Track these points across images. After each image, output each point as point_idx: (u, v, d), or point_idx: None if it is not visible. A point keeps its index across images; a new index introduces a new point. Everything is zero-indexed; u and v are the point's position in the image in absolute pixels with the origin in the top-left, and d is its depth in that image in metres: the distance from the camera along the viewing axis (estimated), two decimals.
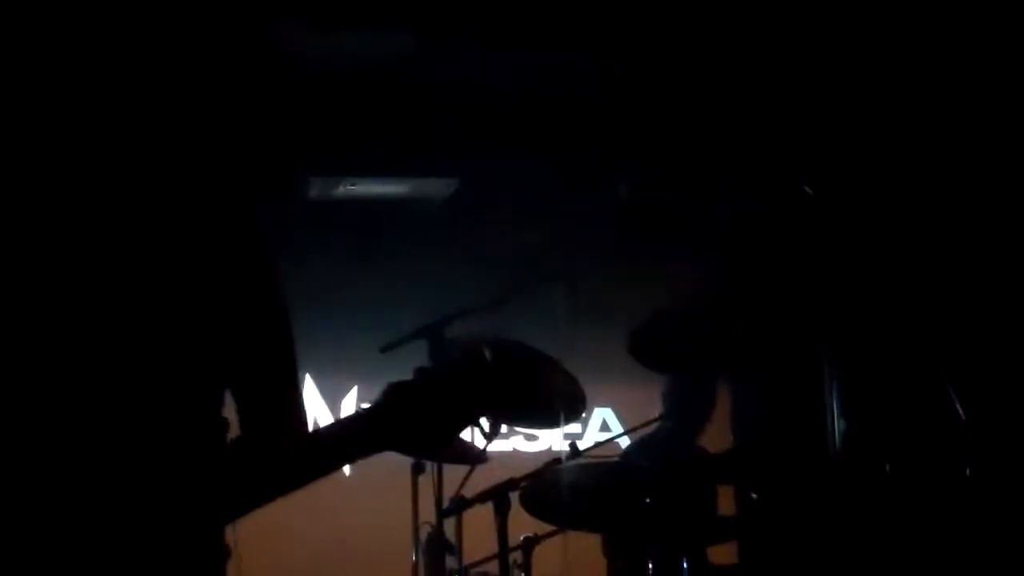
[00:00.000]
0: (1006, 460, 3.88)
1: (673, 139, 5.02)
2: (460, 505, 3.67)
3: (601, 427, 6.04)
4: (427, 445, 1.62)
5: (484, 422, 1.68)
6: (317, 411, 5.80)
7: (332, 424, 1.68)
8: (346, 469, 6.49)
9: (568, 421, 3.86)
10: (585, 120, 4.88)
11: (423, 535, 3.84)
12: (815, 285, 3.84)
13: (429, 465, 3.80)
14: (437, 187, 5.51)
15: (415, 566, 3.86)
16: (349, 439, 1.61)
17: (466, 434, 5.83)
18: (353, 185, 5.38)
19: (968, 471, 3.53)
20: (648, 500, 3.51)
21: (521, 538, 3.60)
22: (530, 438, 5.78)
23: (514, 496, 3.61)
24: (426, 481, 3.80)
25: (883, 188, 4.90)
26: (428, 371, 1.60)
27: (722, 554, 4.34)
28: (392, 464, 4.15)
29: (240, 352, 1.59)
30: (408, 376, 1.61)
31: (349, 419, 1.69)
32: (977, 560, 4.05)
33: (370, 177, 5.36)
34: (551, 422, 3.91)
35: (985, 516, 3.84)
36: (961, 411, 3.52)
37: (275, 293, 1.63)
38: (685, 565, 3.54)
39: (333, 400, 5.84)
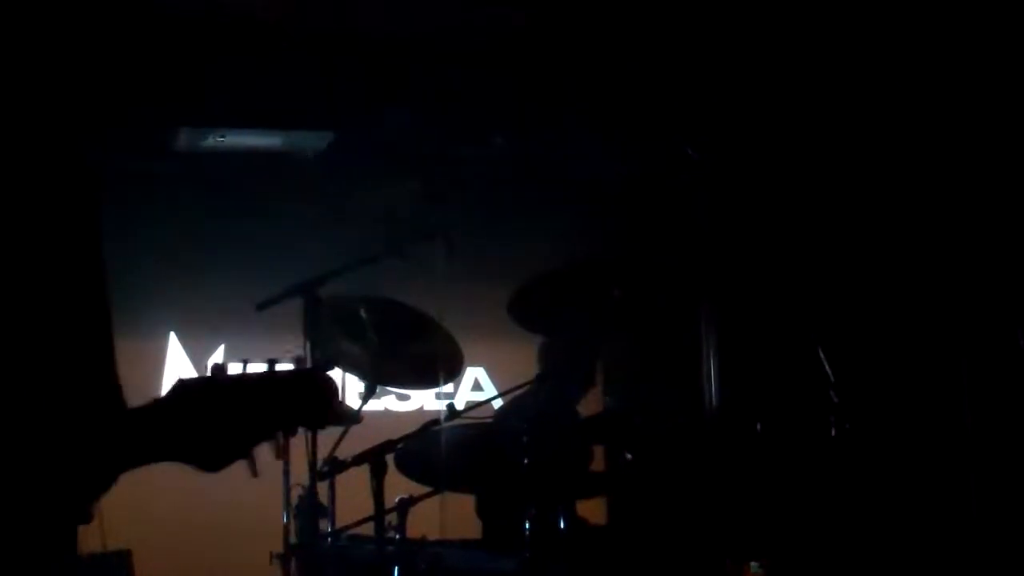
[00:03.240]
0: (872, 419, 3.98)
1: (556, 96, 4.97)
2: (334, 467, 3.59)
3: (473, 386, 6.01)
4: (207, 457, 1.41)
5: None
6: (182, 370, 5.62)
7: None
8: None
9: (446, 381, 3.82)
10: (463, 71, 4.80)
11: (295, 498, 3.76)
12: (695, 248, 3.87)
13: None
14: (310, 139, 5.36)
15: (286, 529, 3.78)
16: (122, 446, 1.39)
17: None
18: (223, 137, 5.19)
19: (833, 430, 3.60)
20: (525, 461, 3.49)
21: (396, 500, 3.55)
22: (402, 397, 5.71)
23: (389, 458, 3.55)
24: (299, 443, 3.71)
25: (763, 155, 4.96)
26: (222, 370, 1.41)
27: (597, 515, 4.38)
28: None
29: (52, 326, 1.44)
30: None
31: (129, 418, 1.45)
32: (843, 514, 4.16)
33: (240, 128, 5.18)
34: (430, 382, 3.86)
35: (850, 472, 3.95)
36: (830, 372, 3.59)
37: (96, 267, 1.49)
38: (562, 524, 3.54)
39: (198, 359, 5.66)
